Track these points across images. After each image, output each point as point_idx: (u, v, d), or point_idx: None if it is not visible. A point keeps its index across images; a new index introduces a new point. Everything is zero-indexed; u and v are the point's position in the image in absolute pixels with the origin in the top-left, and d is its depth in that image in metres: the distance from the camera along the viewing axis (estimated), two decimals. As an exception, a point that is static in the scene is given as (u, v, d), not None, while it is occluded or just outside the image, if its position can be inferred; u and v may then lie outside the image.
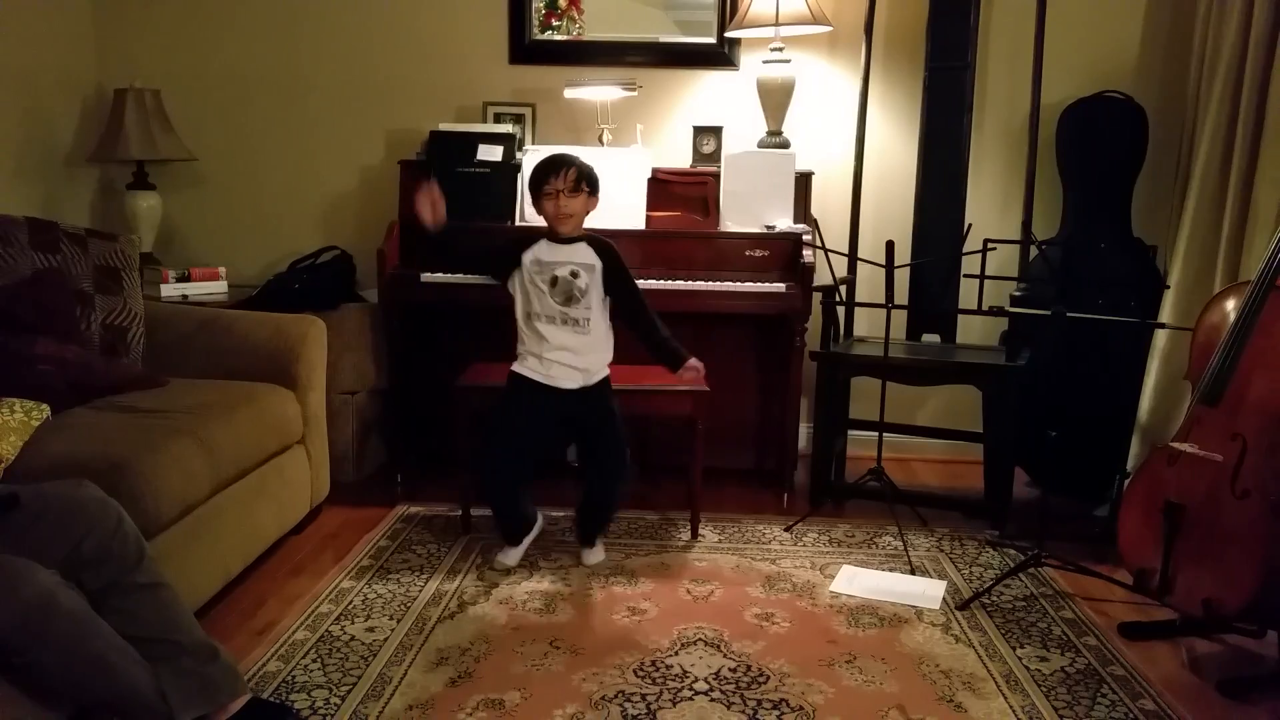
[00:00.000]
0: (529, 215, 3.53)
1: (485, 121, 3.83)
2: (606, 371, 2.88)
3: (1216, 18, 3.28)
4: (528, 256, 2.79)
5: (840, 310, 3.50)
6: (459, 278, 3.41)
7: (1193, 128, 3.38)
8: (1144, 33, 3.73)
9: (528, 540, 2.97)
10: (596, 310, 2.80)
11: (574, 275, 2.76)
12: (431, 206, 2.75)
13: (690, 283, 3.37)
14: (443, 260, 2.91)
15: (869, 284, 3.64)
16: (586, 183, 2.77)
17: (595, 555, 2.97)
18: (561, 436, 2.93)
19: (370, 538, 3.12)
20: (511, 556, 2.93)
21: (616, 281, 2.82)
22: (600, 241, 2.83)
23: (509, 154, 3.61)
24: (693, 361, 2.86)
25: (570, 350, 2.79)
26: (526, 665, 2.36)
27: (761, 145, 3.68)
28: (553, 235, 2.80)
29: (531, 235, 2.84)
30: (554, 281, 2.75)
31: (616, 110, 3.74)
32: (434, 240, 2.81)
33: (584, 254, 2.79)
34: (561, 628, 2.55)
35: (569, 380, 2.80)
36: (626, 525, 3.26)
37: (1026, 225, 3.48)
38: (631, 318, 2.87)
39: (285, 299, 3.53)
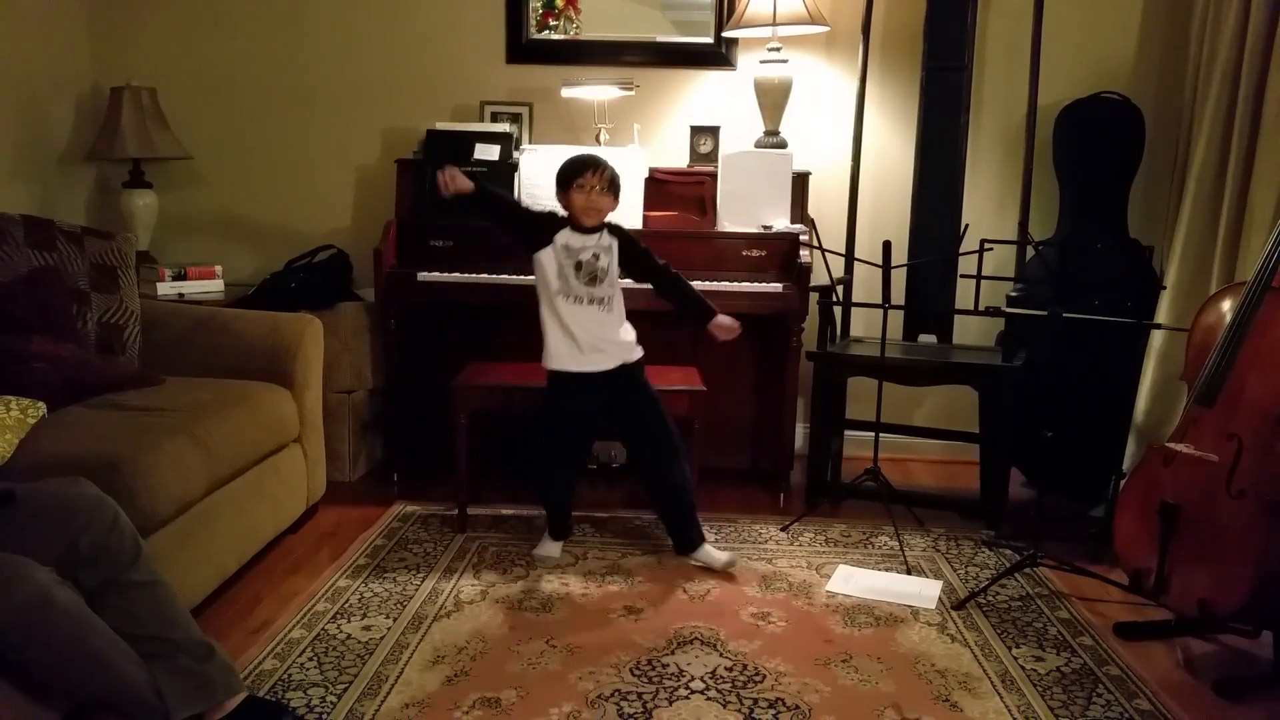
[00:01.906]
0: (526, 214, 3.54)
1: (482, 121, 3.84)
2: (640, 352, 2.95)
3: (1213, 19, 3.29)
4: (559, 239, 2.88)
5: (837, 310, 3.51)
6: (456, 276, 3.41)
7: (1189, 129, 3.38)
8: (1141, 34, 3.73)
9: (559, 546, 3.03)
10: (617, 289, 2.92)
11: (595, 257, 2.87)
12: (451, 180, 2.82)
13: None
14: (489, 215, 3.01)
15: (866, 284, 3.65)
16: (615, 187, 2.90)
17: (715, 555, 2.93)
18: (605, 426, 2.98)
19: (367, 536, 3.12)
20: (555, 549, 2.99)
21: (633, 253, 2.95)
22: (614, 226, 2.95)
23: (506, 153, 3.61)
24: (723, 319, 2.94)
25: (598, 328, 2.87)
26: (523, 664, 2.36)
27: (759, 145, 3.69)
28: (576, 225, 2.88)
29: (559, 218, 2.91)
30: (579, 265, 2.86)
31: (614, 110, 3.74)
32: (477, 202, 2.89)
33: (603, 239, 2.91)
34: (558, 626, 2.55)
35: (605, 361, 2.88)
36: (623, 525, 3.27)
37: (1023, 226, 3.48)
38: (657, 280, 2.99)
39: (282, 298, 3.53)
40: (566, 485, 3.02)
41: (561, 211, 2.90)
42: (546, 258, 2.87)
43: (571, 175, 2.87)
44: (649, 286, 3.02)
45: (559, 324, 2.87)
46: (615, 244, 2.91)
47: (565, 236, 2.87)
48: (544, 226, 2.89)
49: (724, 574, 2.89)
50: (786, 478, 3.55)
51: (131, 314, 3.00)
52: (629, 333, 2.96)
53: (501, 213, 2.98)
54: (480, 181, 2.89)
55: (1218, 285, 3.07)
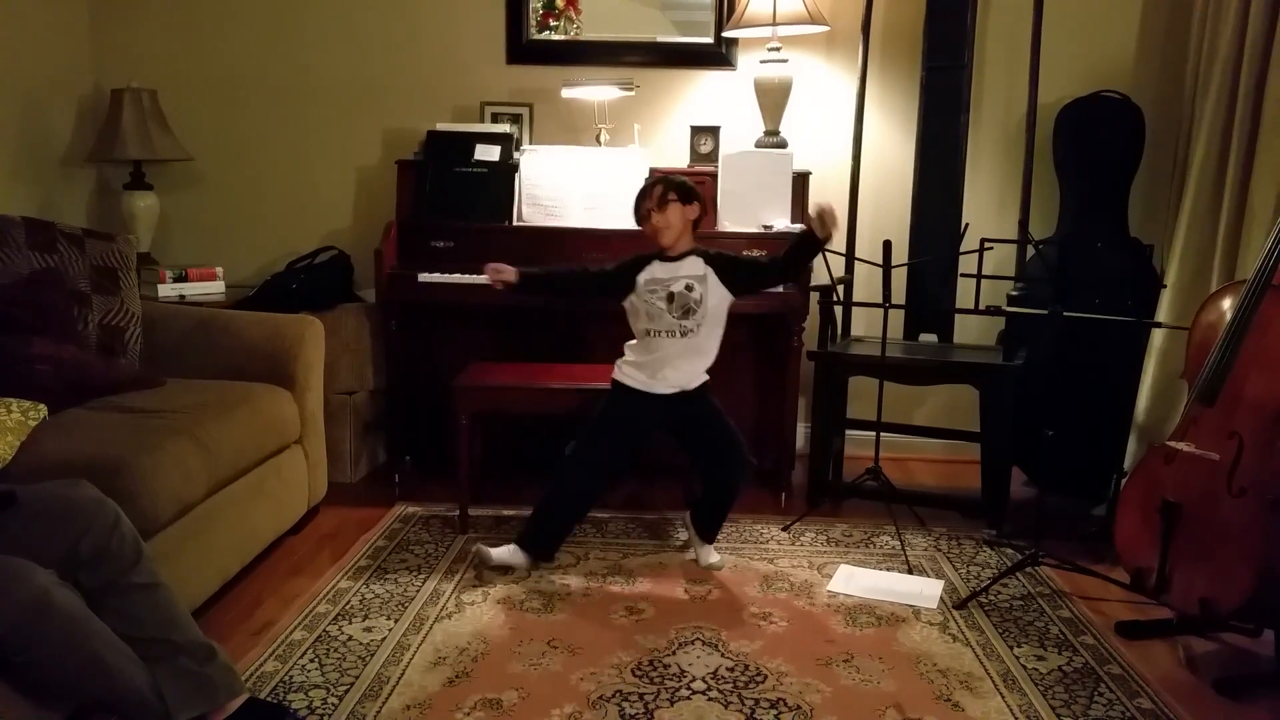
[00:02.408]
0: (526, 215, 3.54)
1: (483, 121, 3.84)
2: (706, 377, 2.94)
3: (1213, 17, 3.29)
4: (642, 277, 2.88)
5: (838, 310, 3.51)
6: (457, 277, 3.41)
7: (1189, 127, 3.38)
8: (1141, 33, 3.73)
9: (543, 564, 2.92)
10: (712, 316, 2.88)
11: (688, 289, 2.85)
12: (498, 273, 2.89)
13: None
14: (552, 298, 3.06)
15: (866, 284, 3.65)
16: (675, 192, 2.86)
17: (713, 556, 2.96)
18: (677, 443, 2.98)
19: (368, 538, 3.12)
20: (523, 560, 2.87)
21: (732, 269, 2.89)
22: (709, 252, 2.92)
23: (506, 154, 3.61)
24: (815, 208, 2.76)
25: (680, 359, 2.87)
26: (524, 665, 2.36)
27: (759, 145, 3.69)
28: (662, 254, 2.88)
29: (645, 256, 2.91)
30: (670, 297, 2.85)
31: (614, 110, 3.74)
32: (529, 289, 2.93)
33: (694, 266, 2.88)
34: (559, 627, 2.55)
35: (668, 386, 2.88)
36: (624, 525, 3.27)
37: (1023, 225, 3.48)
38: (775, 271, 2.97)
39: (283, 299, 3.54)
40: (588, 495, 2.92)
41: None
42: (634, 302, 2.89)
43: (637, 210, 2.89)
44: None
45: (645, 348, 2.89)
46: (710, 273, 2.86)
47: (653, 269, 2.87)
48: (624, 272, 2.89)
49: (713, 573, 2.91)
50: (788, 477, 3.55)
51: (132, 316, 3.00)
52: (708, 361, 2.93)
53: (568, 287, 2.99)
54: (523, 271, 2.90)
55: (1218, 283, 3.07)
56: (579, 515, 2.99)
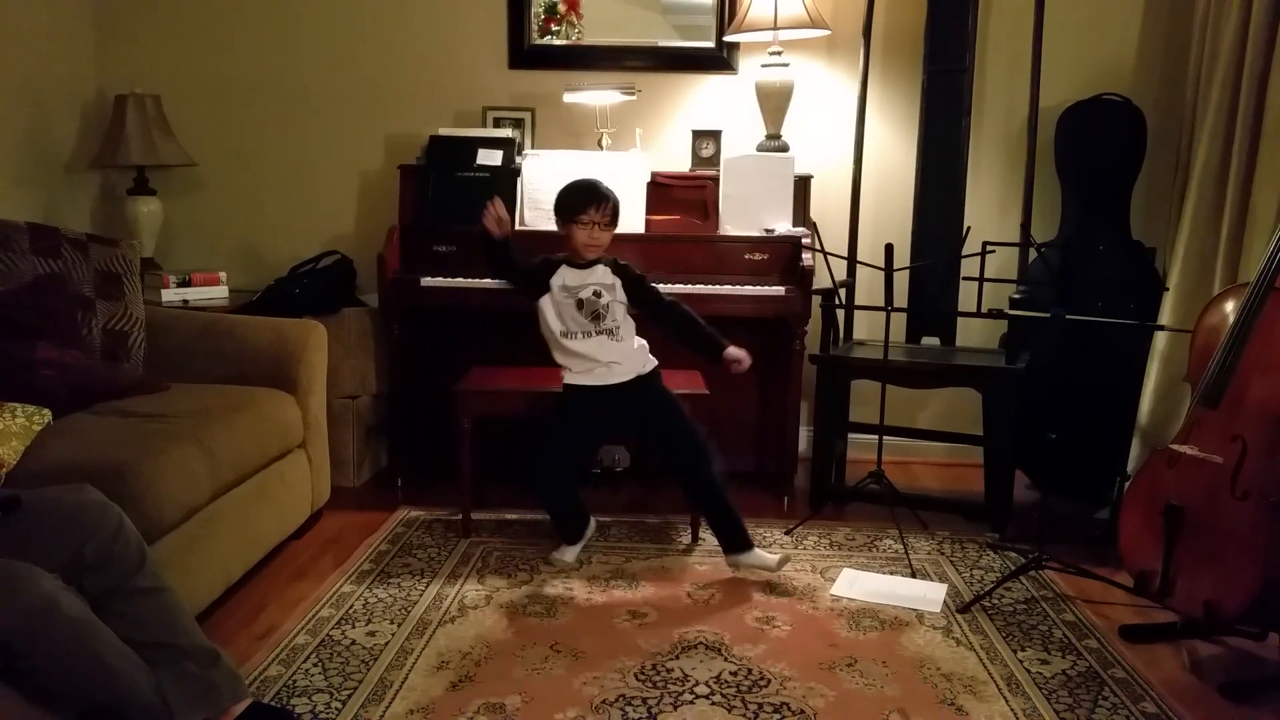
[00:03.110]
0: (528, 219, 3.55)
1: (485, 126, 3.84)
2: (654, 363, 2.97)
3: (1214, 20, 3.29)
4: (555, 282, 2.91)
5: (840, 313, 3.51)
6: (459, 281, 3.41)
7: (1191, 130, 3.38)
8: (1142, 35, 3.73)
9: (584, 539, 3.03)
10: (624, 321, 2.95)
11: (596, 295, 2.89)
12: (498, 222, 2.88)
13: (690, 286, 3.37)
14: (494, 269, 3.04)
15: (868, 287, 3.65)
16: (616, 218, 2.92)
17: (769, 557, 2.89)
18: (621, 436, 3.02)
19: (371, 542, 3.12)
20: (570, 554, 2.97)
21: (637, 291, 2.96)
22: (617, 263, 2.97)
23: (508, 158, 3.62)
24: (733, 350, 2.91)
25: (612, 355, 2.91)
26: (527, 669, 2.36)
27: (760, 149, 3.69)
28: (573, 260, 2.91)
29: (554, 260, 2.94)
30: (579, 304, 2.89)
31: (615, 114, 3.74)
32: (495, 249, 2.92)
33: (603, 275, 2.93)
34: (562, 631, 2.55)
35: (619, 375, 2.90)
36: (627, 529, 3.27)
37: (1025, 228, 3.48)
38: (664, 319, 2.99)
39: (286, 304, 3.54)
40: (568, 489, 2.99)
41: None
42: (546, 304, 2.92)
43: (575, 209, 2.87)
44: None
45: (567, 352, 2.92)
46: (618, 282, 2.92)
47: (563, 275, 2.91)
48: (541, 273, 2.92)
49: (716, 577, 2.89)
50: (790, 481, 3.55)
51: (136, 320, 3.01)
52: (641, 345, 2.98)
53: (510, 272, 2.99)
54: (509, 238, 2.92)
55: (1220, 286, 3.06)
56: (574, 499, 3.01)
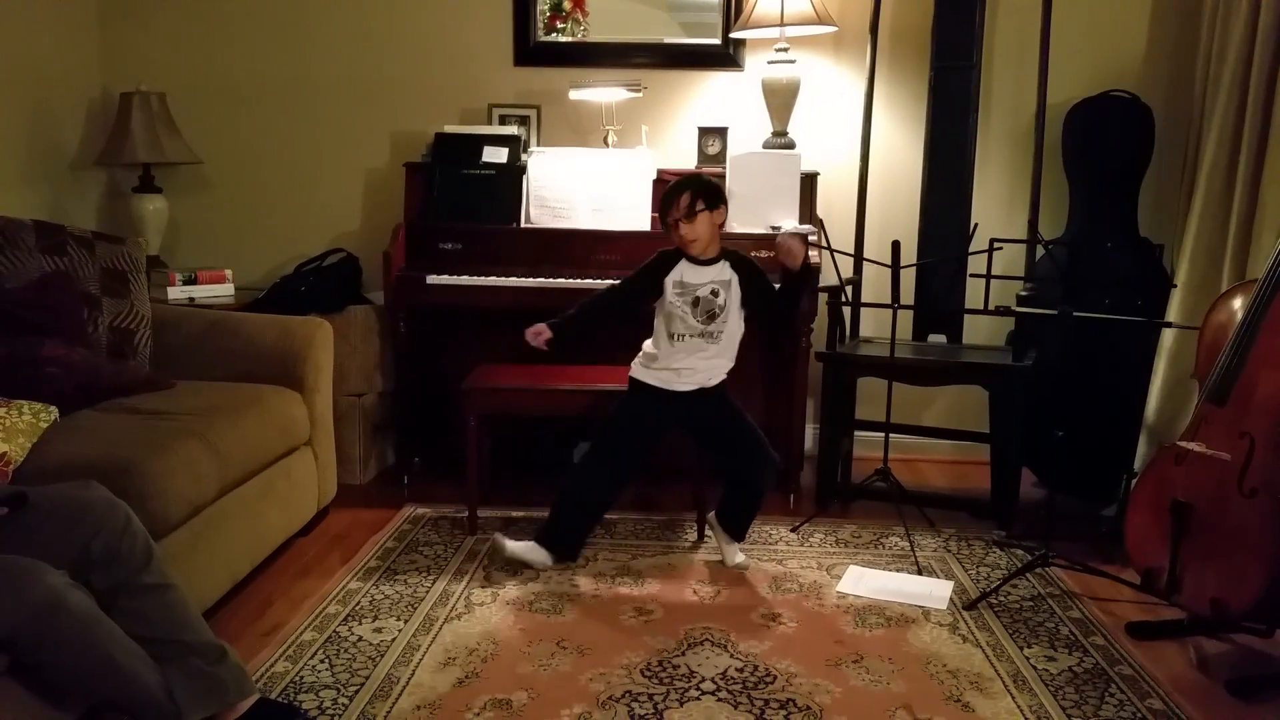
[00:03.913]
0: (534, 217, 3.55)
1: (490, 123, 3.84)
2: (725, 375, 2.92)
3: (1223, 16, 3.28)
4: (669, 280, 2.84)
5: (846, 311, 3.50)
6: (465, 279, 3.42)
7: (1199, 127, 3.37)
8: (1150, 32, 3.72)
9: (553, 563, 2.90)
10: (733, 322, 2.87)
11: (714, 294, 2.82)
12: (536, 335, 2.87)
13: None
14: (594, 329, 2.98)
15: (875, 284, 3.65)
16: (704, 201, 2.78)
17: (739, 556, 2.94)
18: (697, 442, 2.97)
19: (377, 539, 3.13)
20: (545, 558, 2.88)
21: (754, 291, 2.86)
22: (737, 256, 2.89)
23: (514, 156, 3.62)
24: (784, 239, 2.84)
25: (699, 361, 2.86)
26: (534, 665, 2.36)
27: (767, 146, 3.68)
28: (691, 256, 2.84)
29: (671, 254, 2.87)
30: (696, 302, 2.82)
31: (621, 111, 3.74)
32: (569, 332, 2.89)
33: (721, 271, 2.85)
34: (568, 628, 2.55)
35: (689, 384, 2.86)
36: (633, 526, 3.27)
37: (1033, 225, 3.47)
38: (773, 317, 3.00)
39: (292, 301, 3.54)
40: (607, 494, 2.92)
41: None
42: (664, 306, 2.85)
43: (661, 213, 2.83)
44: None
45: (668, 348, 2.86)
46: (735, 279, 2.83)
47: (681, 270, 2.83)
48: (651, 276, 2.85)
49: (722, 574, 2.90)
50: (796, 478, 3.54)
51: (142, 318, 3.02)
52: (728, 363, 2.91)
53: (604, 314, 2.93)
54: (554, 323, 2.87)
55: (1228, 283, 3.05)
56: (599, 514, 2.99)
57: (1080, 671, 2.39)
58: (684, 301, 2.82)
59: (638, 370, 2.91)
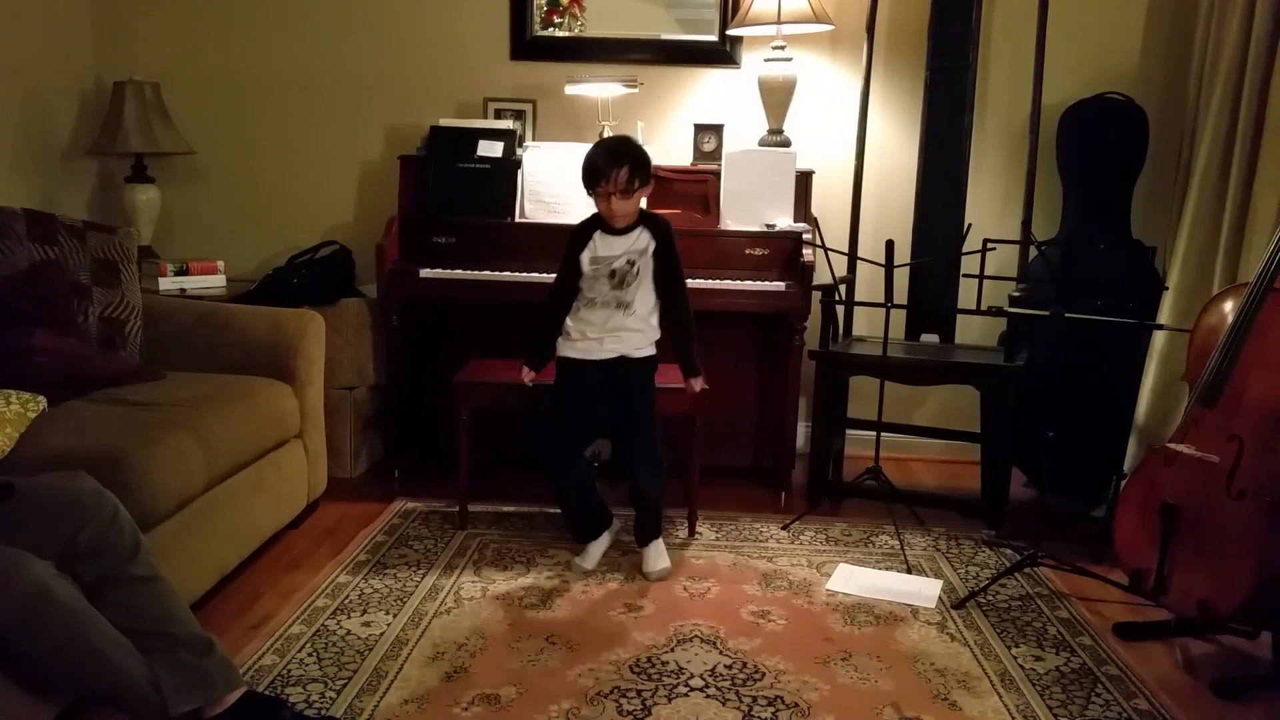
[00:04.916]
0: (528, 212, 3.54)
1: (486, 117, 3.83)
2: (651, 352, 2.86)
3: (1218, 20, 3.28)
4: (585, 257, 2.79)
5: (839, 309, 3.50)
6: (458, 273, 3.41)
7: (1193, 130, 3.38)
8: (1145, 35, 3.73)
9: (603, 538, 2.94)
10: (645, 287, 2.80)
11: (629, 264, 2.78)
12: (526, 375, 2.91)
13: (690, 281, 3.30)
14: (550, 319, 2.93)
15: (868, 283, 3.64)
16: (639, 179, 2.71)
17: (651, 562, 2.89)
18: (602, 416, 2.92)
19: (367, 533, 3.12)
20: (588, 560, 2.91)
21: (662, 261, 2.80)
22: (655, 220, 2.82)
23: (509, 150, 3.61)
24: (696, 383, 2.89)
25: (616, 327, 2.80)
26: (522, 661, 2.36)
27: (762, 144, 3.68)
28: (606, 226, 2.79)
29: (587, 230, 2.80)
30: (611, 274, 2.78)
31: (617, 107, 3.74)
32: (546, 347, 2.89)
33: (639, 239, 2.78)
34: (558, 624, 2.55)
35: (607, 352, 2.82)
36: (625, 523, 3.26)
37: (1026, 225, 3.48)
38: (666, 301, 2.85)
39: (284, 293, 3.53)
40: (570, 473, 2.90)
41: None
42: (584, 279, 2.81)
43: (590, 183, 2.73)
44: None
45: (583, 318, 2.82)
46: (653, 246, 2.78)
47: (595, 245, 2.78)
48: (571, 261, 2.80)
49: (712, 571, 2.89)
50: (788, 476, 3.55)
51: (133, 309, 3.00)
52: (648, 335, 2.84)
53: (557, 316, 2.86)
54: (529, 359, 2.90)
55: (1220, 286, 3.06)
56: (591, 492, 2.96)
57: (1067, 671, 2.40)
58: (598, 274, 2.77)
59: (563, 348, 2.86)
